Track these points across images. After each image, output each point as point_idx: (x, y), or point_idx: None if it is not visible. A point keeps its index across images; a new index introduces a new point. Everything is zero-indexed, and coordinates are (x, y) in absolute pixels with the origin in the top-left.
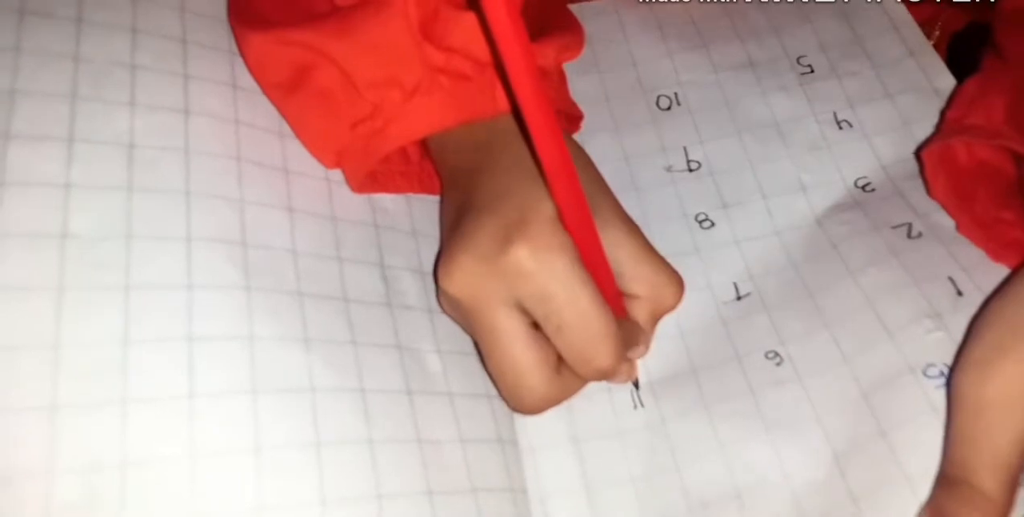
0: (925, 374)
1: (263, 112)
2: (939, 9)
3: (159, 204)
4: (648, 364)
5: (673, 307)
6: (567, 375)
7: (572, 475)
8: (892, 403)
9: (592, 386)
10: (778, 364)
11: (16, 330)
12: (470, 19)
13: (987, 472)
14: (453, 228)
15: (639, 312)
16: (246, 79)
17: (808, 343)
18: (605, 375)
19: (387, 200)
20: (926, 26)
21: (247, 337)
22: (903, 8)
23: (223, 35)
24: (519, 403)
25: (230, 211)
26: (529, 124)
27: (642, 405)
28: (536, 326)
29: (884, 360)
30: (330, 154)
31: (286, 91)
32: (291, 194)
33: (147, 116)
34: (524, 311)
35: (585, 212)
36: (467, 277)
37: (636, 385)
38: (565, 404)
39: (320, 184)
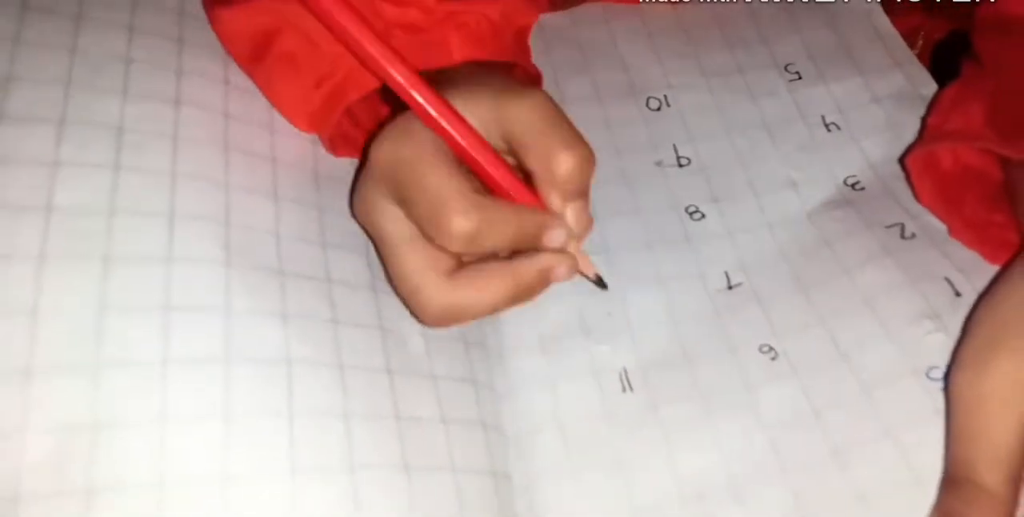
0: (928, 376)
1: (255, 108)
2: (922, 18)
3: (144, 182)
4: (637, 347)
5: (575, 173)
6: (462, 279)
7: (558, 459)
8: (896, 404)
9: (577, 369)
10: (773, 358)
11: None
12: None
13: (988, 468)
14: None
15: (546, 191)
16: (239, 77)
17: (803, 338)
18: (462, 242)
19: None
20: (909, 36)
21: (223, 308)
22: (887, 20)
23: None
24: (415, 309)
25: (215, 192)
26: (330, 25)
27: (631, 388)
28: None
29: (884, 360)
30: (302, 116)
31: (256, 60)
32: (278, 183)
33: (138, 104)
34: (405, 218)
35: (435, 100)
36: (356, 198)
37: (602, 284)
38: (552, 387)
39: (308, 176)
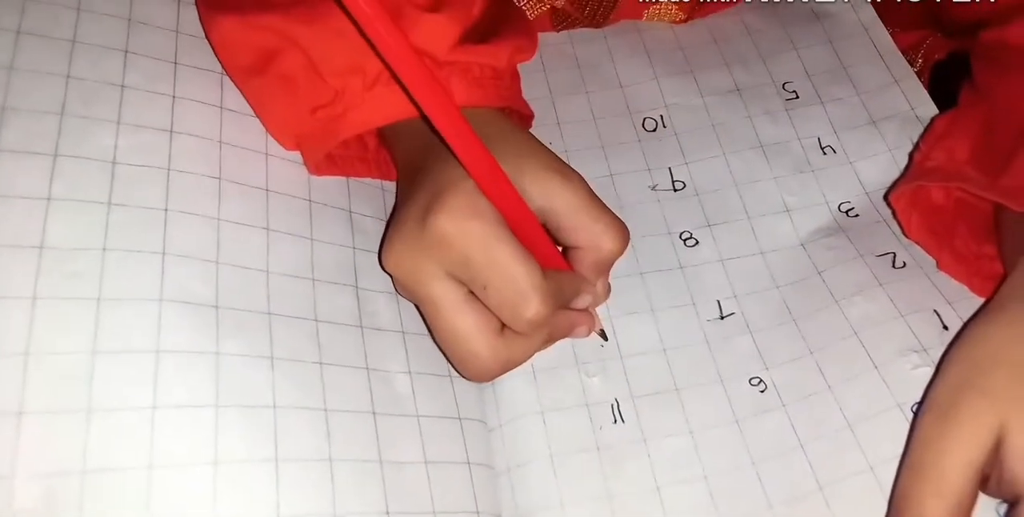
0: (912, 411)
1: (248, 133)
2: (923, 36)
3: (137, 220)
4: (629, 378)
5: (614, 254)
6: (511, 339)
7: (549, 493)
8: (880, 439)
9: (569, 400)
10: (762, 391)
11: None
12: (431, 21)
13: (933, 497)
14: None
15: (581, 263)
16: (233, 101)
17: (792, 370)
18: (541, 326)
19: (368, 223)
20: (909, 53)
21: (213, 353)
22: (888, 36)
23: (214, 57)
24: (467, 370)
25: (207, 229)
26: (415, 95)
27: (622, 420)
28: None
29: (870, 393)
30: (289, 137)
31: (250, 74)
32: (270, 214)
33: (132, 135)
34: (459, 280)
35: (498, 174)
36: (399, 255)
37: (604, 336)
38: (543, 418)
39: (301, 205)
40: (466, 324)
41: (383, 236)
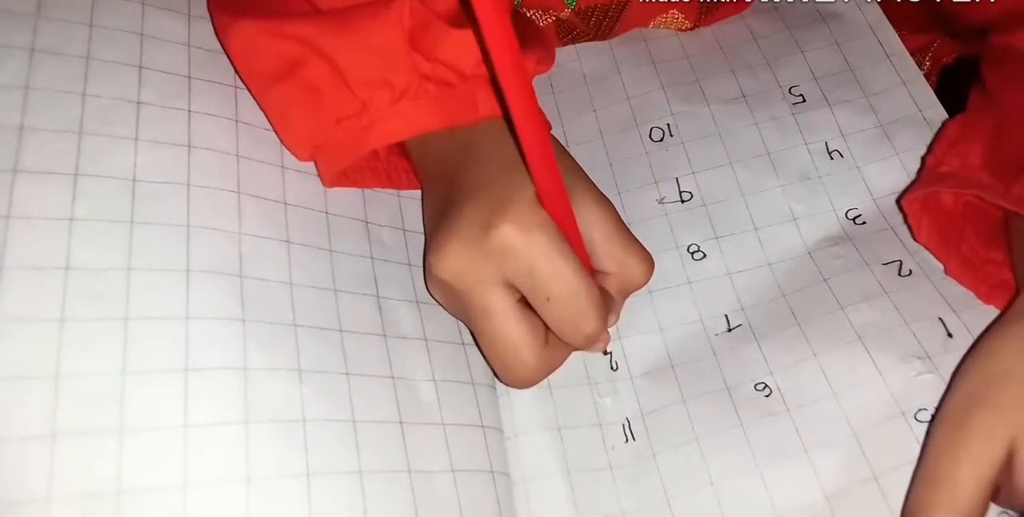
0: (916, 418)
1: (264, 146)
2: (931, 39)
3: (160, 237)
4: (639, 397)
5: (641, 285)
6: (554, 348)
7: (564, 507)
8: (883, 446)
9: (583, 419)
10: (767, 395)
11: (18, 361)
12: (459, 36)
13: (946, 512)
14: (439, 219)
15: (609, 287)
16: (248, 114)
17: (797, 374)
18: (592, 341)
19: (384, 233)
20: (916, 57)
21: (241, 368)
22: (896, 37)
23: (227, 71)
24: (513, 377)
25: (229, 244)
26: (513, 111)
27: (633, 438)
28: (523, 302)
29: (874, 400)
30: (307, 147)
31: (270, 81)
32: (289, 227)
33: (150, 151)
34: (512, 288)
35: (563, 193)
36: (457, 261)
37: (606, 353)
38: (558, 435)
39: (318, 217)
40: (518, 332)
41: (429, 241)
